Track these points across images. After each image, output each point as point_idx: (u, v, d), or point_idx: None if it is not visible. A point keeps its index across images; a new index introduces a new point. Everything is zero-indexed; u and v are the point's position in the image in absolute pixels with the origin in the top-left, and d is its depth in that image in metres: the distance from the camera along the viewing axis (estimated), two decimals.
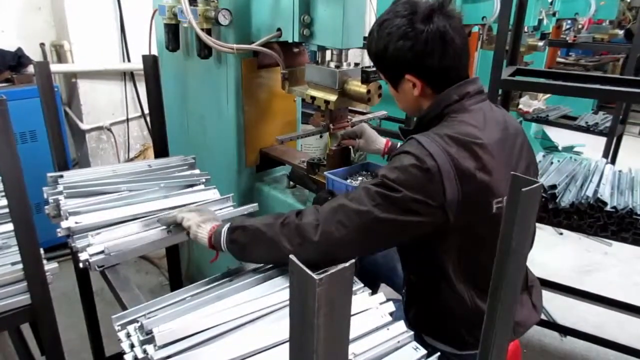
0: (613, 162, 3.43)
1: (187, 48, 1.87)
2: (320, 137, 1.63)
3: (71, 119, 3.12)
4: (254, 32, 1.68)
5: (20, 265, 1.12)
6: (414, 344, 0.93)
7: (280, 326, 0.92)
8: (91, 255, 1.20)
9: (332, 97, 1.52)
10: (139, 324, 0.92)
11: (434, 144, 1.05)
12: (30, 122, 2.49)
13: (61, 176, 1.46)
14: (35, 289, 1.13)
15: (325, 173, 1.53)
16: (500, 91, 2.12)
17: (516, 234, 0.62)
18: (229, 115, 1.76)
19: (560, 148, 4.36)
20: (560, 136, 4.39)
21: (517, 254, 0.64)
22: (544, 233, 3.11)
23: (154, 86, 1.70)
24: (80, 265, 1.20)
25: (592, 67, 6.21)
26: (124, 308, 1.06)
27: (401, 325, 0.95)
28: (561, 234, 3.27)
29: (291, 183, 1.81)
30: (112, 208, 1.35)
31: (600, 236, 1.70)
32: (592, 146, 4.19)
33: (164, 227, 1.30)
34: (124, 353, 0.90)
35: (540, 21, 3.56)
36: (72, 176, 1.48)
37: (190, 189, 1.50)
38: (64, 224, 1.27)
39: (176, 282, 2.00)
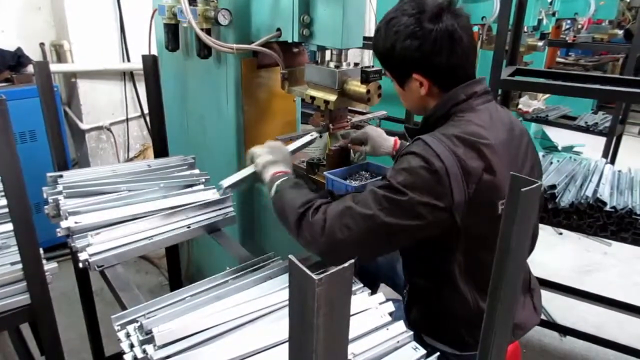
0: (612, 162, 3.43)
1: (187, 48, 1.87)
2: (320, 137, 1.63)
3: (71, 119, 3.12)
4: (253, 32, 1.68)
5: (20, 265, 1.12)
6: (414, 344, 0.93)
7: (279, 326, 0.92)
8: (91, 255, 1.20)
9: (332, 97, 1.52)
10: (139, 323, 0.92)
11: (440, 144, 1.05)
12: (29, 122, 2.49)
13: (61, 176, 1.46)
14: (35, 289, 1.13)
15: (324, 173, 1.53)
16: (499, 91, 2.12)
17: (516, 234, 0.62)
18: (229, 115, 1.76)
19: (559, 148, 4.36)
20: (559, 136, 4.39)
21: (516, 253, 0.64)
22: (544, 233, 3.09)
23: (153, 86, 1.70)
24: (80, 265, 1.20)
25: (592, 67, 6.21)
26: (124, 308, 1.06)
27: (401, 325, 0.95)
28: (561, 234, 3.27)
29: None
30: (112, 208, 1.35)
31: (600, 236, 1.70)
32: (591, 146, 4.19)
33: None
34: (124, 353, 0.90)
35: (539, 21, 3.56)
36: (71, 176, 1.48)
37: (189, 189, 1.50)
38: (64, 224, 1.26)
39: (176, 282, 2.00)
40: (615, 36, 5.11)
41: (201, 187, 1.53)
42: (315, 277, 0.42)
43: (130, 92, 3.26)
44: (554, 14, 3.88)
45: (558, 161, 2.09)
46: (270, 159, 1.32)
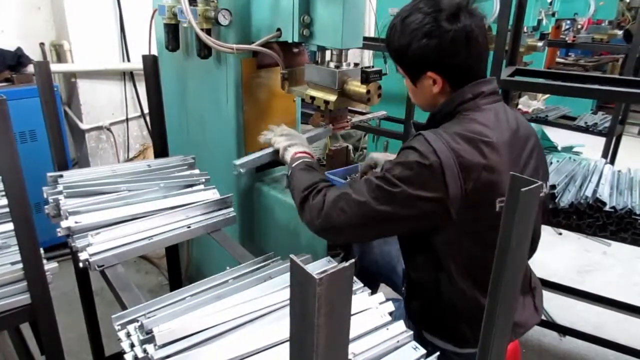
0: (612, 162, 3.44)
1: (187, 48, 1.87)
2: (319, 126, 1.63)
3: (71, 119, 3.12)
4: (253, 32, 1.68)
5: (20, 265, 1.12)
6: (414, 343, 0.93)
7: (279, 326, 0.92)
8: (91, 255, 1.20)
9: (332, 97, 1.52)
10: (139, 323, 0.92)
11: (439, 140, 1.07)
12: (29, 122, 2.49)
13: (61, 176, 1.46)
14: (35, 289, 1.13)
15: (325, 173, 1.53)
16: (499, 91, 2.12)
17: (515, 234, 0.62)
18: (229, 115, 1.76)
19: (559, 148, 4.35)
20: (559, 136, 4.37)
21: (516, 253, 0.64)
22: (543, 233, 3.08)
23: (154, 86, 1.70)
24: (80, 264, 1.20)
25: (592, 67, 6.21)
26: (124, 308, 1.06)
27: (401, 325, 0.96)
28: (560, 234, 3.27)
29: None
30: (112, 208, 1.35)
31: (599, 236, 1.71)
32: (591, 146, 4.17)
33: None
34: (124, 352, 0.90)
35: (539, 21, 3.56)
36: (72, 176, 1.48)
37: (189, 189, 1.50)
38: (64, 224, 1.27)
39: (176, 282, 2.00)
40: (615, 36, 5.12)
41: (201, 187, 1.53)
42: (316, 276, 0.42)
43: (130, 92, 3.26)
44: (553, 14, 3.89)
45: (558, 161, 2.10)
46: (290, 142, 1.45)
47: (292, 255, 0.46)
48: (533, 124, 4.26)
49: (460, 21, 1.10)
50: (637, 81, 1.90)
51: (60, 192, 1.37)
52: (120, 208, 1.36)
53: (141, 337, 0.89)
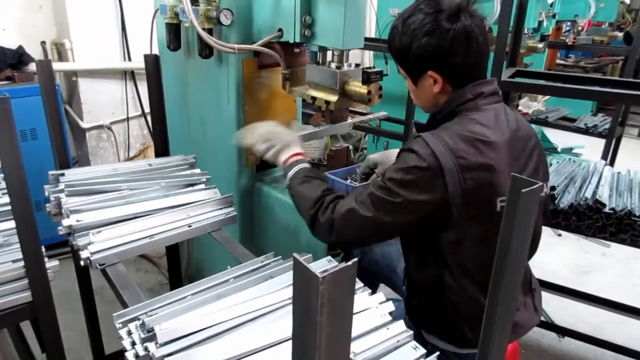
0: (612, 163, 3.45)
1: (188, 47, 1.87)
2: (321, 137, 1.64)
3: (71, 118, 3.12)
4: (255, 32, 1.68)
5: (22, 263, 1.12)
6: (414, 343, 0.94)
7: (280, 325, 0.92)
8: (92, 254, 1.20)
9: (333, 98, 1.53)
10: (141, 321, 0.92)
11: (438, 142, 1.08)
12: (30, 120, 2.49)
13: (62, 174, 1.46)
14: (37, 287, 1.13)
15: (325, 173, 1.54)
16: (500, 92, 2.13)
17: (516, 234, 0.63)
18: (230, 114, 1.77)
19: (559, 149, 4.37)
20: (559, 138, 4.39)
21: (516, 253, 0.64)
22: (543, 234, 3.11)
23: (155, 86, 1.70)
24: (82, 263, 1.21)
25: (592, 68, 6.23)
26: (125, 306, 1.07)
27: (401, 325, 0.96)
28: (560, 235, 3.28)
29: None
30: (113, 207, 1.35)
31: (599, 237, 1.71)
32: (591, 148, 4.19)
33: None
34: (125, 350, 0.90)
35: (540, 23, 3.57)
36: (73, 174, 1.48)
37: (190, 188, 1.51)
38: (65, 222, 1.27)
39: (176, 281, 2.00)
40: (615, 38, 5.12)
41: (202, 186, 1.53)
42: (319, 275, 0.43)
43: (131, 91, 3.26)
44: (554, 16, 3.89)
45: (557, 162, 2.10)
46: (276, 147, 1.40)
47: (295, 254, 0.47)
48: (533, 125, 4.28)
49: (460, 21, 1.12)
50: (637, 83, 1.91)
51: (61, 191, 1.37)
52: (122, 207, 1.36)
53: (142, 335, 0.89)
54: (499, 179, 1.09)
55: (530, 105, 4.19)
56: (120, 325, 0.95)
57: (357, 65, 1.56)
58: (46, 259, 1.16)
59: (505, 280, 0.66)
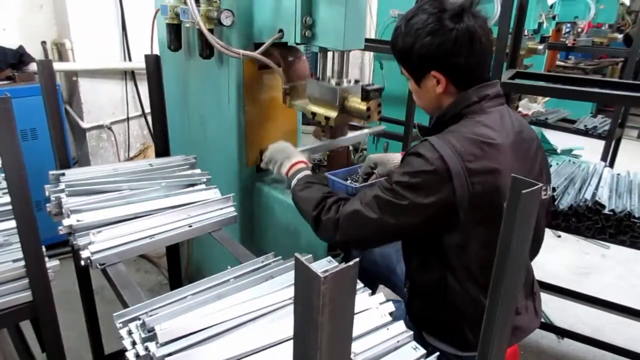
0: (611, 165, 3.45)
1: (189, 48, 1.87)
2: (320, 139, 1.65)
3: (72, 118, 3.12)
4: (256, 33, 1.68)
5: (22, 263, 1.12)
6: (414, 343, 0.94)
7: (281, 325, 0.93)
8: (93, 253, 1.20)
9: (333, 114, 1.54)
10: (141, 321, 0.92)
11: (446, 146, 1.08)
12: (31, 120, 2.49)
13: (63, 174, 1.46)
14: (37, 286, 1.13)
15: (325, 174, 1.54)
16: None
17: (516, 235, 0.63)
18: (230, 115, 1.77)
19: (559, 151, 4.38)
20: (559, 139, 4.40)
21: (516, 255, 0.65)
22: None
23: (156, 86, 1.70)
24: (82, 263, 1.21)
25: (591, 70, 6.23)
26: (125, 306, 1.07)
27: (401, 325, 0.96)
28: (559, 236, 3.28)
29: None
30: (114, 206, 1.36)
31: (598, 239, 1.71)
32: (590, 149, 4.20)
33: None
34: (125, 350, 0.90)
35: (540, 24, 3.58)
36: (73, 174, 1.48)
37: (191, 189, 1.51)
38: (66, 222, 1.27)
39: (176, 281, 2.00)
40: (615, 40, 5.13)
41: (202, 186, 1.53)
42: (321, 275, 0.43)
43: (131, 91, 3.27)
44: (554, 18, 3.90)
45: (557, 164, 2.10)
46: (278, 162, 1.49)
47: (297, 254, 0.47)
48: (533, 127, 4.29)
49: (464, 21, 1.12)
50: (637, 85, 1.91)
51: (62, 191, 1.38)
52: (122, 207, 1.36)
53: (143, 335, 0.89)
54: (506, 183, 1.09)
55: (530, 106, 4.19)
56: (121, 325, 0.95)
57: (356, 81, 1.57)
58: (46, 259, 1.16)
59: (506, 281, 0.66)
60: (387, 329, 0.95)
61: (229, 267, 1.18)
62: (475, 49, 1.13)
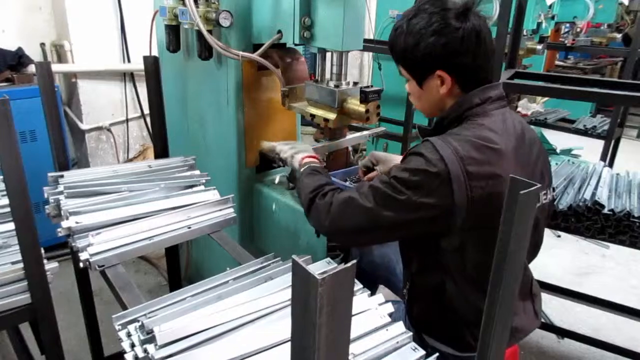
0: (611, 165, 3.45)
1: (188, 49, 1.87)
2: (319, 142, 1.65)
3: (71, 119, 3.12)
4: (254, 34, 1.68)
5: (21, 265, 1.12)
6: (413, 344, 0.94)
7: (280, 326, 0.92)
8: (92, 255, 1.20)
9: (332, 116, 1.54)
10: (140, 323, 0.92)
11: (447, 147, 1.06)
12: (30, 122, 2.49)
13: (62, 176, 1.46)
14: (36, 288, 1.13)
15: None
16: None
17: (514, 237, 0.63)
18: (229, 116, 1.77)
19: (558, 151, 4.38)
20: (558, 139, 4.40)
21: (514, 256, 0.65)
22: None
23: (154, 87, 1.70)
24: (81, 264, 1.20)
25: (591, 70, 6.23)
26: (124, 308, 1.07)
27: (400, 326, 0.96)
28: (559, 236, 3.28)
29: (290, 184, 1.82)
30: (113, 208, 1.35)
31: (598, 239, 1.71)
32: (590, 149, 4.20)
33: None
34: (124, 352, 0.90)
35: (539, 24, 3.58)
36: (72, 176, 1.48)
37: (190, 190, 1.51)
38: (65, 224, 1.27)
39: (175, 282, 2.00)
40: (614, 40, 5.14)
41: (202, 187, 1.53)
42: (318, 276, 0.43)
43: (130, 93, 3.26)
44: (553, 17, 3.91)
45: (556, 164, 2.10)
46: (296, 149, 1.52)
47: (294, 256, 0.47)
48: (532, 127, 4.30)
49: (469, 20, 1.11)
50: (636, 84, 1.91)
51: (61, 192, 1.37)
52: (121, 208, 1.36)
53: (142, 337, 0.89)
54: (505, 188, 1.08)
55: (529, 106, 4.19)
56: (120, 326, 0.95)
57: (355, 83, 1.57)
58: (45, 261, 1.16)
59: (504, 282, 0.66)
60: (387, 329, 0.95)
61: (228, 268, 1.17)
62: (482, 48, 1.13)
